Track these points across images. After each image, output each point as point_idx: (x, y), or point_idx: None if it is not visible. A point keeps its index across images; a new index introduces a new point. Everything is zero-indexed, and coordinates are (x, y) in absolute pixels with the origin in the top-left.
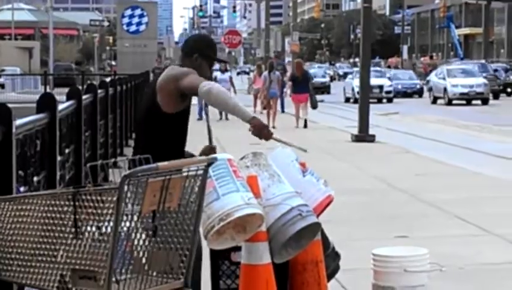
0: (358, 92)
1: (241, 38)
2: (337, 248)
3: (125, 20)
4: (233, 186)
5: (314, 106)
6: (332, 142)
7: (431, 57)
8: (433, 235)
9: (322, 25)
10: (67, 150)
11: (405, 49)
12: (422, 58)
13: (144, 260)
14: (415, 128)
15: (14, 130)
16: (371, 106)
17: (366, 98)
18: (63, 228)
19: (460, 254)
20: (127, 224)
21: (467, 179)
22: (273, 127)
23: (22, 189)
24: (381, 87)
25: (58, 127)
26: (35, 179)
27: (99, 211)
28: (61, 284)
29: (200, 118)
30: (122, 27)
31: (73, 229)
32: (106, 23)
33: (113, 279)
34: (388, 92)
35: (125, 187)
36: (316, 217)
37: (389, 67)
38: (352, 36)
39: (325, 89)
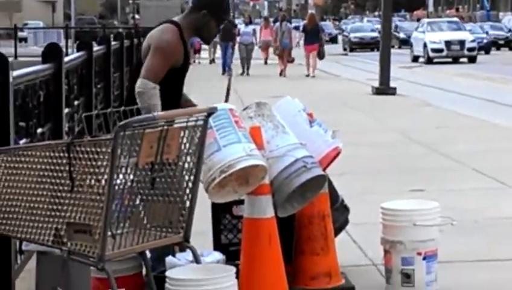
0: (432, 50)
1: None
2: (351, 201)
3: None
4: (234, 137)
5: (321, 57)
6: (353, 95)
7: (457, 10)
8: (450, 189)
9: None
10: (76, 102)
11: (431, 1)
12: (448, 11)
13: (142, 214)
14: (438, 81)
15: (11, 79)
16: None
17: (387, 48)
18: (58, 181)
19: (475, 207)
20: (124, 176)
21: (487, 131)
22: (284, 76)
23: (22, 141)
24: (462, 43)
25: (64, 78)
26: (38, 130)
27: (94, 163)
28: (56, 238)
29: (224, 73)
30: None
31: (68, 182)
32: None
33: (109, 233)
34: (471, 50)
35: (120, 138)
36: (322, 170)
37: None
38: None
39: (375, 45)
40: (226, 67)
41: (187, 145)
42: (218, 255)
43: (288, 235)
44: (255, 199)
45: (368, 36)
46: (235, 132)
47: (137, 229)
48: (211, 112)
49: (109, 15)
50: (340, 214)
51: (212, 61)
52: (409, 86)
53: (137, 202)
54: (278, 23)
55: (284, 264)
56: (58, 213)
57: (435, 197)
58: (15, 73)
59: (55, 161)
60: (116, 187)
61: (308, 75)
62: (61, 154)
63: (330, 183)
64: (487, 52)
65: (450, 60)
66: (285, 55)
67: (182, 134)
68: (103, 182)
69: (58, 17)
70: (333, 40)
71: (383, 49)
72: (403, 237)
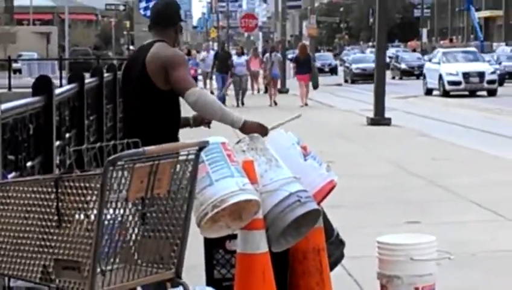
0: (449, 82)
1: (257, 22)
2: (346, 234)
3: (143, 4)
4: (227, 171)
5: (315, 86)
6: (348, 126)
7: (451, 40)
8: (447, 221)
9: (341, 9)
10: (68, 135)
11: (424, 32)
12: (442, 42)
13: (132, 249)
14: (433, 111)
15: None
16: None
17: (382, 80)
18: (46, 216)
19: (473, 240)
20: (115, 211)
21: (484, 162)
22: (276, 104)
23: (11, 175)
24: (481, 75)
25: (55, 110)
26: (28, 164)
27: (82, 199)
28: (44, 275)
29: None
30: (139, 12)
31: (56, 217)
32: (122, 7)
33: (98, 269)
34: (491, 82)
35: (110, 173)
36: (317, 204)
37: (413, 50)
38: (371, 20)
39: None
40: (221, 99)
41: (179, 179)
42: None
43: (283, 270)
44: (248, 234)
45: (371, 67)
46: (227, 166)
47: (127, 265)
48: (202, 146)
49: (104, 46)
50: (335, 248)
51: (211, 93)
52: (404, 117)
53: (128, 237)
54: (267, 54)
55: None
56: (46, 249)
57: (431, 230)
58: (3, 106)
59: (43, 196)
60: (106, 222)
61: (302, 106)
62: (50, 190)
63: (325, 217)
64: (501, 84)
65: (467, 93)
66: (274, 85)
67: (173, 169)
68: (92, 217)
69: (53, 49)
70: (333, 70)
71: (377, 80)
72: (400, 272)
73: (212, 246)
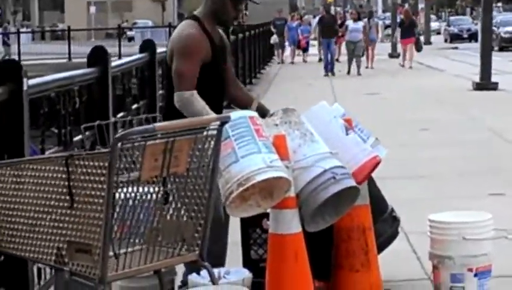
0: None
1: None
2: (421, 206)
3: None
4: (254, 147)
5: (418, 49)
6: (451, 91)
7: None
8: None
9: None
10: (135, 105)
11: None
12: None
13: (156, 230)
14: None
15: (25, 88)
16: None
17: (488, 43)
18: (58, 196)
19: None
20: (128, 190)
21: None
22: (372, 68)
23: (52, 150)
24: None
25: (110, 82)
26: (77, 138)
27: (92, 178)
28: (58, 258)
29: (326, 74)
30: None
31: (68, 198)
32: None
33: (111, 253)
34: None
35: (118, 151)
36: (359, 181)
37: None
38: None
39: None
40: (329, 67)
41: (200, 157)
42: (244, 273)
43: (328, 250)
44: (279, 213)
45: None
46: (254, 141)
47: (149, 246)
48: (224, 120)
49: None
50: (388, 225)
51: (321, 59)
52: None
53: (151, 217)
54: (365, 19)
55: (318, 280)
56: (59, 231)
57: None
58: (30, 82)
59: (55, 175)
60: (120, 202)
61: (403, 66)
62: (61, 169)
63: (377, 192)
64: None
65: None
66: (372, 49)
67: (192, 145)
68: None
69: (169, 16)
70: (472, 36)
71: (483, 43)
72: (453, 252)
73: (249, 225)
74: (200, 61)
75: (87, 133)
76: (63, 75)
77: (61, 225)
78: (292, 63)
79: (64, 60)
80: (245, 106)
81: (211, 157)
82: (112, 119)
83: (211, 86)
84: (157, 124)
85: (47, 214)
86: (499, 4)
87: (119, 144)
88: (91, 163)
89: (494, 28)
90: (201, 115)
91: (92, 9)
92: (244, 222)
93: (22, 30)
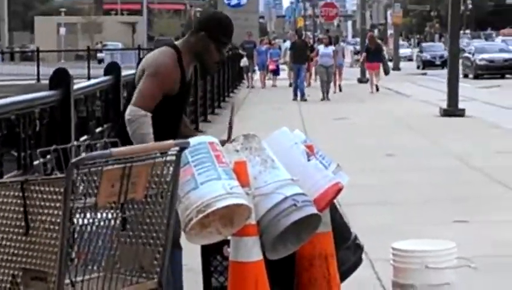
0: None
1: (337, 11)
2: (386, 232)
3: None
4: (214, 173)
5: (386, 72)
6: (419, 116)
7: None
8: (498, 220)
9: None
10: (99, 129)
11: None
12: None
13: (115, 257)
14: None
15: None
16: None
17: (455, 70)
18: (14, 222)
19: None
20: (86, 217)
21: None
22: (340, 91)
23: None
24: None
25: (73, 105)
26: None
27: (47, 204)
28: (13, 286)
29: (295, 98)
30: (223, 1)
31: (23, 224)
32: None
33: (67, 280)
34: None
35: (74, 176)
36: (321, 208)
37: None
38: (462, 7)
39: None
40: (299, 92)
41: (158, 183)
42: None
43: (288, 277)
44: (239, 240)
45: (500, 58)
46: (214, 167)
47: (107, 274)
48: (183, 146)
49: None
50: (351, 253)
51: (291, 85)
52: (482, 107)
53: (109, 244)
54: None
55: None
56: (14, 258)
57: (480, 229)
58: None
59: (10, 200)
60: (78, 228)
61: (372, 92)
62: (17, 194)
63: (340, 219)
64: None
65: None
66: (339, 73)
67: (150, 171)
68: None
69: (138, 39)
70: (445, 63)
71: (450, 69)
72: (415, 281)
73: (210, 253)
74: (163, 92)
75: (48, 157)
76: (23, 97)
77: (16, 251)
78: (263, 87)
79: (33, 82)
80: None
81: (169, 183)
82: (74, 143)
83: (169, 118)
84: (114, 149)
85: (1, 240)
86: (467, 31)
87: (75, 170)
88: (47, 188)
89: (469, 55)
90: (144, 140)
91: (62, 30)
92: (205, 249)
93: None
